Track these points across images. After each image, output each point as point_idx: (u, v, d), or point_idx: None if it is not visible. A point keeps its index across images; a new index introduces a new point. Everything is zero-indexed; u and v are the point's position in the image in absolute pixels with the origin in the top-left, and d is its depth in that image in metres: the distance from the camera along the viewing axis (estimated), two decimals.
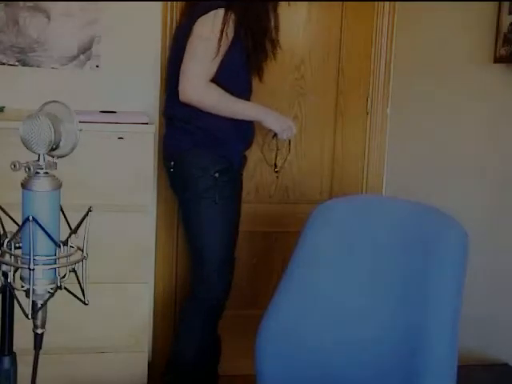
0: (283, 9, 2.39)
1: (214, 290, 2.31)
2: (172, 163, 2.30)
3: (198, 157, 2.24)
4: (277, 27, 2.33)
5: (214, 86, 2.18)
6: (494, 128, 2.60)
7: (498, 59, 2.51)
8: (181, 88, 2.17)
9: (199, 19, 2.15)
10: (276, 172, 2.48)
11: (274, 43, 2.34)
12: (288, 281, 1.65)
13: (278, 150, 2.40)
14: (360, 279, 1.59)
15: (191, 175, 2.25)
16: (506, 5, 2.48)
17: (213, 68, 2.17)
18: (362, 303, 1.57)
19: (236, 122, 2.25)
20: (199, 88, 2.16)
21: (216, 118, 2.21)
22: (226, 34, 2.14)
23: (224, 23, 2.13)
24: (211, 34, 2.13)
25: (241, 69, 2.26)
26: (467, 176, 2.70)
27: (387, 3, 2.87)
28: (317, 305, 1.61)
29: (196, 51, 2.15)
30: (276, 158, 2.44)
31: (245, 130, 2.32)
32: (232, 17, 2.14)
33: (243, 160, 2.42)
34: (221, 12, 2.13)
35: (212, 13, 2.13)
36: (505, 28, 2.48)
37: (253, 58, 2.27)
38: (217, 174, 2.21)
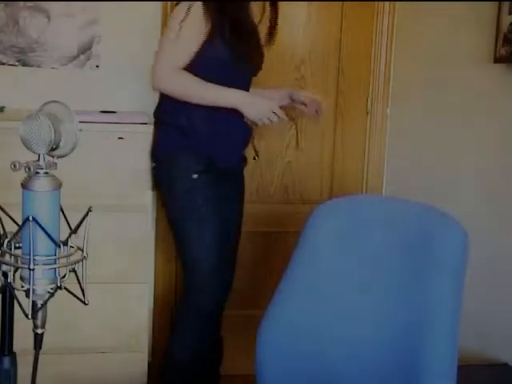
0: (283, 9, 2.39)
1: (206, 298, 2.24)
2: (153, 165, 2.28)
3: (177, 157, 2.20)
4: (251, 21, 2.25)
5: (183, 72, 2.13)
6: (494, 128, 2.61)
7: (498, 59, 2.52)
8: (151, 77, 2.16)
9: (174, 11, 2.17)
10: (254, 159, 2.44)
11: (258, 40, 2.27)
12: (288, 281, 1.65)
13: (253, 139, 2.33)
14: (360, 279, 1.59)
15: (170, 177, 2.21)
16: (506, 5, 2.49)
17: (182, 56, 2.13)
18: (362, 303, 1.57)
19: (218, 118, 2.18)
20: (165, 74, 2.14)
21: (197, 115, 2.17)
22: (200, 25, 2.10)
23: (196, 14, 2.10)
24: (181, 22, 2.10)
25: (224, 64, 2.18)
26: (467, 176, 2.70)
27: (387, 3, 2.87)
28: (317, 305, 1.61)
29: (164, 40, 2.16)
30: (254, 146, 2.40)
31: (231, 128, 2.23)
32: (207, 9, 2.10)
33: (238, 159, 2.34)
34: (194, 4, 2.11)
35: (184, 3, 2.12)
36: (505, 28, 2.48)
37: (235, 54, 2.16)
38: (196, 175, 2.16)
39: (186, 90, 2.16)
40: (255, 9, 2.29)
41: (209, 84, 2.15)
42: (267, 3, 2.32)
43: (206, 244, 2.20)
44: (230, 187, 2.31)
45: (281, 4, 2.36)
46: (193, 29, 2.11)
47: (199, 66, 2.14)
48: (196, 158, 2.18)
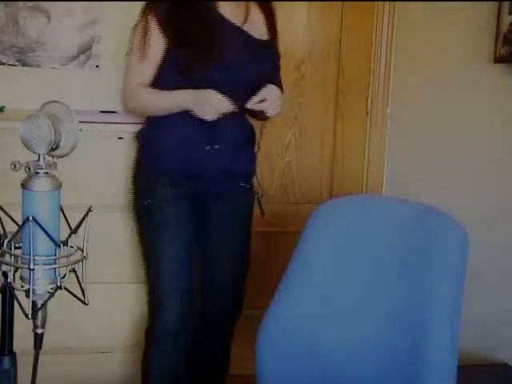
0: (284, 9, 2.38)
1: (158, 324, 2.11)
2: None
3: (141, 170, 2.14)
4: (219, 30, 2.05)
5: (139, 89, 2.07)
6: (494, 128, 2.60)
7: (498, 59, 2.51)
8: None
9: None
10: None
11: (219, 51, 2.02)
12: (288, 281, 1.65)
13: None
14: (360, 279, 1.59)
15: (136, 187, 2.15)
16: (506, 5, 2.48)
17: (141, 71, 2.06)
18: (362, 303, 1.57)
19: (173, 127, 2.06)
20: (125, 95, 2.12)
21: (152, 127, 2.11)
22: (146, 40, 2.03)
23: (140, 28, 2.06)
24: (132, 40, 2.09)
25: (180, 72, 2.03)
26: (467, 176, 2.70)
27: (387, 3, 2.87)
28: (317, 305, 1.61)
29: (128, 58, 2.13)
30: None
31: (181, 139, 2.07)
32: (153, 22, 2.03)
33: (209, 174, 2.08)
34: (139, 18, 2.08)
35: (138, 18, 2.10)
36: (505, 28, 2.48)
37: (182, 62, 2.01)
38: (148, 191, 2.08)
39: (142, 107, 2.12)
40: (238, 10, 2.12)
41: (160, 93, 2.05)
42: (251, 4, 2.15)
43: (156, 265, 2.12)
44: (212, 207, 2.18)
45: (279, 4, 2.32)
46: (141, 42, 2.04)
47: (161, 78, 2.07)
48: (156, 172, 2.08)
